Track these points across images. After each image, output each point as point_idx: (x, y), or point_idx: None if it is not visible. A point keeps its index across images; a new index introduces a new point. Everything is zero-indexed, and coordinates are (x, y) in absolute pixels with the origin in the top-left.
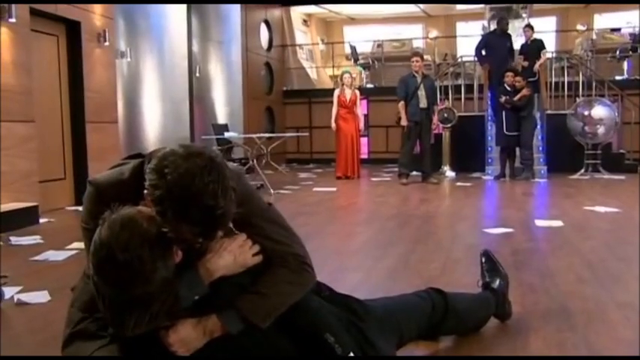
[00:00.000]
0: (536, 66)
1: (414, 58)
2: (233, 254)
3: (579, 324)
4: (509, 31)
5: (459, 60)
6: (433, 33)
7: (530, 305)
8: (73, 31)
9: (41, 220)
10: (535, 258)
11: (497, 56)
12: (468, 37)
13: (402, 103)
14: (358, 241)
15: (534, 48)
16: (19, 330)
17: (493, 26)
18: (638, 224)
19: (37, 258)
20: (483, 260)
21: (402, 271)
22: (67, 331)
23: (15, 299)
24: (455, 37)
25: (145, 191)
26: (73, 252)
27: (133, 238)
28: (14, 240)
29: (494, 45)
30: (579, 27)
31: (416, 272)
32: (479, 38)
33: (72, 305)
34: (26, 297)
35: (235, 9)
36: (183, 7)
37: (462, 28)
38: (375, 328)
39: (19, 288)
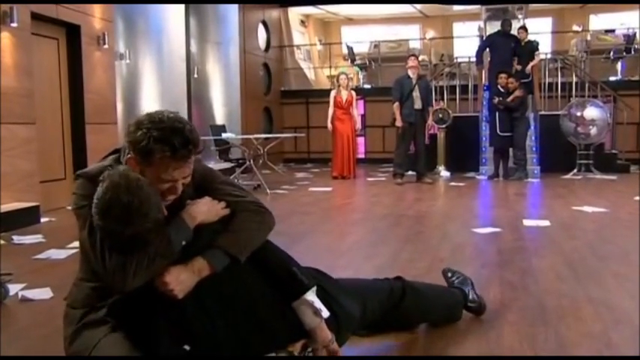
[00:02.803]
0: (528, 67)
1: (410, 59)
2: (207, 205)
3: (552, 319)
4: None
5: (455, 61)
6: (430, 33)
7: (508, 301)
8: (73, 34)
9: (42, 220)
10: (519, 257)
11: (500, 57)
12: (465, 38)
13: (396, 104)
14: (350, 240)
15: (528, 49)
16: (23, 324)
17: (489, 27)
18: (622, 224)
19: (39, 256)
20: (449, 275)
21: (390, 270)
22: (71, 328)
23: (19, 296)
24: (452, 37)
25: (128, 156)
26: (74, 250)
27: (131, 183)
28: (17, 239)
29: (497, 45)
30: (575, 28)
31: (403, 271)
32: (476, 39)
33: (70, 307)
34: (30, 293)
35: (233, 10)
36: (182, 8)
37: (458, 28)
38: (336, 288)
39: (22, 285)
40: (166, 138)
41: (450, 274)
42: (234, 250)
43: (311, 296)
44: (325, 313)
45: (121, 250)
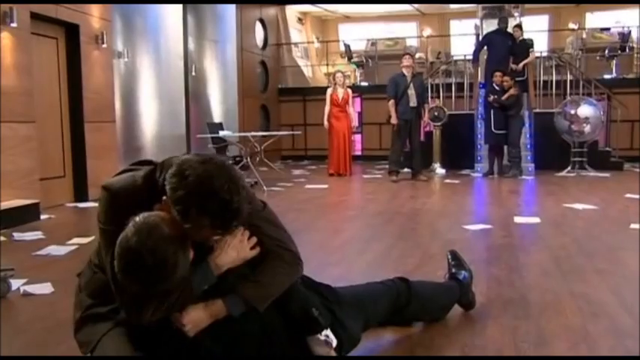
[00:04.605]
0: (521, 65)
1: (404, 57)
2: (236, 250)
3: (535, 313)
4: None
5: (452, 59)
6: (427, 31)
7: (493, 296)
8: (71, 33)
9: (42, 217)
10: (507, 253)
11: (497, 55)
12: (462, 36)
13: (392, 101)
14: (343, 236)
15: (523, 48)
16: (25, 318)
17: (485, 25)
18: (611, 221)
19: (39, 253)
20: (450, 257)
21: (381, 266)
22: (78, 314)
23: (21, 291)
24: (448, 35)
25: (164, 198)
26: (74, 247)
27: (159, 244)
28: (17, 236)
29: (495, 44)
30: (571, 25)
31: (394, 266)
32: (472, 37)
33: (80, 291)
34: (31, 288)
35: (231, 8)
36: (179, 6)
37: (455, 26)
38: (343, 310)
39: (24, 280)
40: (210, 213)
41: (451, 258)
42: (256, 302)
43: (324, 332)
44: (334, 344)
45: (140, 299)
